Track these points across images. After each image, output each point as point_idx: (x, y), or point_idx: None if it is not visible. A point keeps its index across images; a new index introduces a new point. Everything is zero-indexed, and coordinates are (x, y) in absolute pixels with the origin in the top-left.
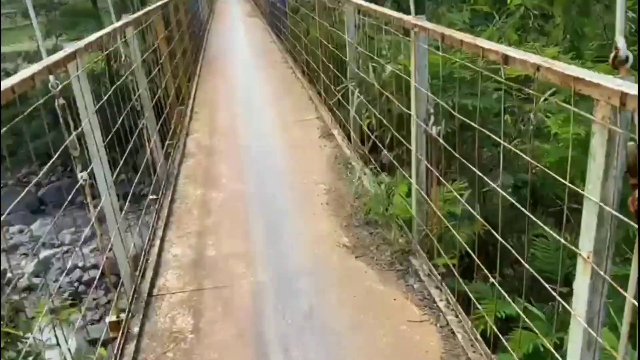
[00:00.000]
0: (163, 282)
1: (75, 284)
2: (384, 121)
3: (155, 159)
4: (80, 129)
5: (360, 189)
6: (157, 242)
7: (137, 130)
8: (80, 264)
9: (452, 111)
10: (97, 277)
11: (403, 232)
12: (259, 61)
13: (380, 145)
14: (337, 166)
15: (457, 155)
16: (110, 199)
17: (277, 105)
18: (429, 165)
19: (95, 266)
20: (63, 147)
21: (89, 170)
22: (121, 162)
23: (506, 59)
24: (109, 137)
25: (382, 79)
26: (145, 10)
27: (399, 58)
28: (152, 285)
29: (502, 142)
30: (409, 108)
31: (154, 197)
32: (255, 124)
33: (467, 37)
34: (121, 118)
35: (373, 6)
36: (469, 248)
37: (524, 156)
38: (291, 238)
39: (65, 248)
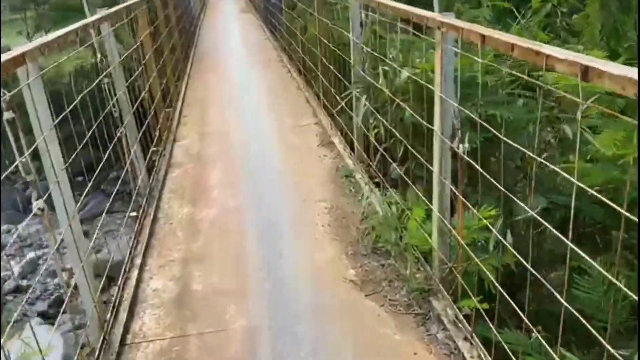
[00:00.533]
0: (139, 325)
1: (64, 287)
2: (396, 133)
3: (135, 171)
4: (29, 150)
5: (367, 208)
6: (135, 273)
7: (114, 141)
8: (68, 266)
9: (484, 124)
10: (64, 306)
11: (420, 266)
12: (252, 59)
13: (390, 159)
14: (339, 180)
15: (486, 175)
16: (71, 229)
17: (272, 109)
18: (455, 190)
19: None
20: (8, 171)
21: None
22: (89, 185)
23: (586, 72)
24: (74, 153)
25: (395, 85)
26: (126, 4)
27: (417, 62)
28: (126, 330)
29: (536, 157)
30: (428, 119)
31: (134, 214)
32: (249, 130)
33: (525, 42)
34: (92, 129)
35: (387, 1)
36: (500, 288)
37: (567, 176)
38: (290, 269)
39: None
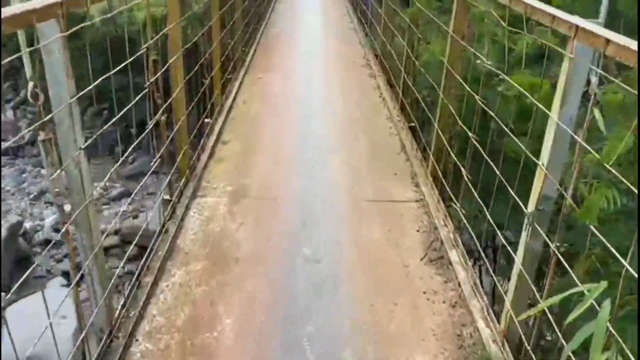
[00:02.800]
0: None
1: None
2: None
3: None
4: None
5: None
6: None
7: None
8: (102, 226)
9: None
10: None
11: None
12: (330, 57)
13: None
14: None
15: None
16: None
17: (348, 153)
18: None
19: (117, 231)
20: None
21: None
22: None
23: None
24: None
25: None
26: None
27: None
28: None
29: None
30: None
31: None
32: (310, 183)
33: None
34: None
35: None
36: None
37: None
38: None
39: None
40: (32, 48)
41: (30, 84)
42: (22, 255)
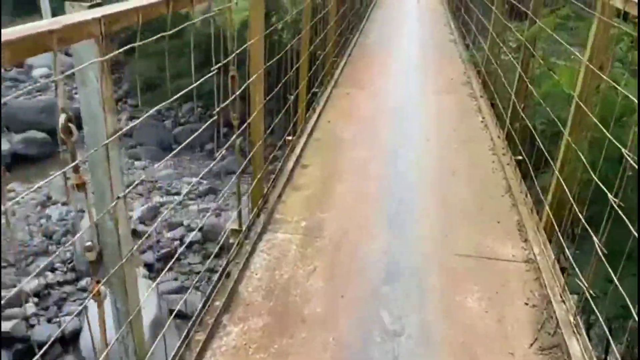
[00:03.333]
0: None
1: (176, 243)
2: None
3: None
4: None
5: None
6: None
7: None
8: (185, 222)
9: None
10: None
11: None
12: (426, 73)
13: None
14: None
15: None
16: None
17: (442, 191)
18: None
19: (200, 228)
20: None
21: None
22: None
23: None
24: None
25: None
26: None
27: None
28: None
29: None
30: None
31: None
32: (395, 227)
33: None
34: None
35: None
36: None
37: None
38: None
39: (177, 198)
40: (64, 74)
41: (62, 117)
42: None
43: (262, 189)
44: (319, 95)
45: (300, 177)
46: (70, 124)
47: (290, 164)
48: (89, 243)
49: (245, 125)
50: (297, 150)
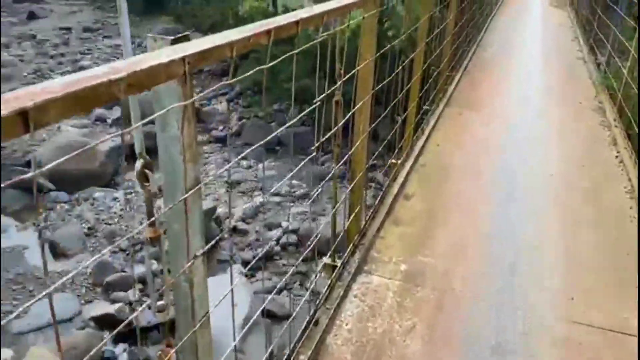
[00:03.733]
0: None
1: (273, 243)
2: None
3: None
4: None
5: None
6: None
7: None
8: (284, 223)
9: None
10: None
11: None
12: (551, 95)
13: None
14: None
15: None
16: None
17: (563, 249)
18: None
19: (294, 231)
20: None
21: None
22: None
23: None
24: None
25: None
26: None
27: None
28: None
29: None
30: None
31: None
32: (507, 287)
33: None
34: None
35: None
36: None
37: None
38: None
39: (277, 199)
40: (144, 121)
41: (139, 162)
42: (211, 239)
43: (359, 222)
44: (429, 114)
45: (402, 209)
46: (147, 171)
47: (392, 194)
48: (161, 302)
49: (346, 157)
50: (401, 179)
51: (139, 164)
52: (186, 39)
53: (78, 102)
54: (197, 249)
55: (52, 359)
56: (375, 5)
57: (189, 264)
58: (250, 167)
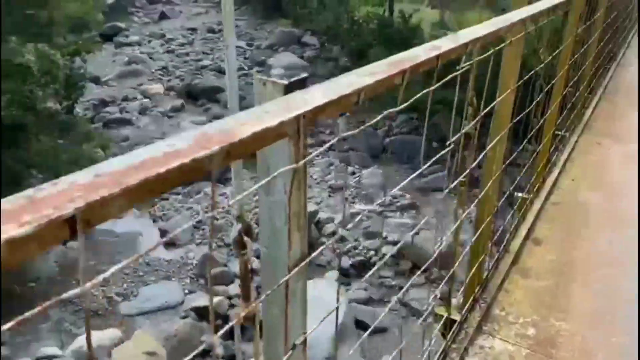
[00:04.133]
0: None
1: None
2: None
3: None
4: None
5: None
6: None
7: None
8: (384, 234)
9: None
10: None
11: None
12: None
13: None
14: None
15: None
16: None
17: None
18: None
19: (395, 243)
20: None
21: None
22: None
23: None
24: None
25: None
26: None
27: None
28: None
29: None
30: None
31: None
32: None
33: None
34: None
35: None
36: None
37: None
38: None
39: (379, 208)
40: (251, 189)
41: (238, 227)
42: (310, 242)
43: (482, 271)
44: (563, 143)
45: (530, 257)
46: (245, 237)
47: (519, 237)
48: None
49: (475, 202)
50: (530, 219)
51: (237, 228)
52: (302, 85)
53: (153, 187)
54: (296, 338)
55: (155, 346)
56: (524, 27)
57: (287, 355)
58: (353, 173)
